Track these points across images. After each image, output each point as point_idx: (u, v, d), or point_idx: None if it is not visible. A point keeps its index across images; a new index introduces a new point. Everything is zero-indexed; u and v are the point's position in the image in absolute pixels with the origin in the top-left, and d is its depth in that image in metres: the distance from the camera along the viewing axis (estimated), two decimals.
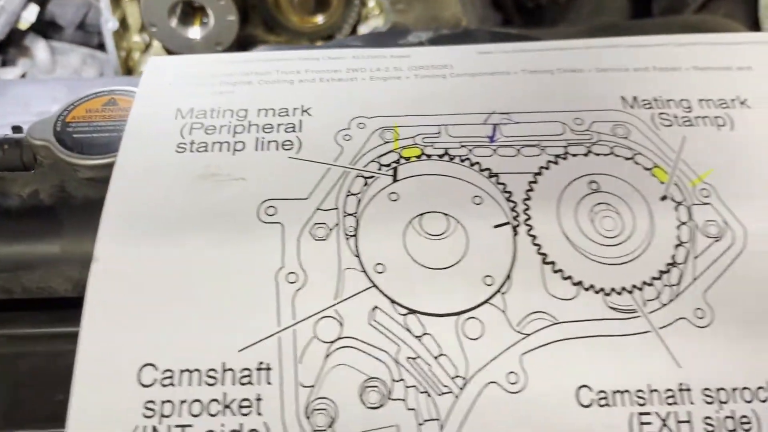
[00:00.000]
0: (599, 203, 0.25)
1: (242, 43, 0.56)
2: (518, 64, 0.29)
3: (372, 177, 0.25)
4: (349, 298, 0.23)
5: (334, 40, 0.49)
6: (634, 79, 0.28)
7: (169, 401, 0.21)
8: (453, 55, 0.29)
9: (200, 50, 0.54)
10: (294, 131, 0.26)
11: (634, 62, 0.29)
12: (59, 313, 0.25)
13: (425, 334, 0.22)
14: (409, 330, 0.22)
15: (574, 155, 0.26)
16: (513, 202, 0.25)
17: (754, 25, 0.49)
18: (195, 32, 0.54)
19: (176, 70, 0.29)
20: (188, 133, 0.26)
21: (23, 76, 0.62)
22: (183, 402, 0.21)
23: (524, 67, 0.29)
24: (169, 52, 0.55)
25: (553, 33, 0.43)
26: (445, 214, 0.24)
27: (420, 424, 0.21)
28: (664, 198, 0.25)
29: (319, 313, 0.22)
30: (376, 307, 0.23)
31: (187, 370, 0.21)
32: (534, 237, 0.24)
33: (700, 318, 0.23)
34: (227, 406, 0.21)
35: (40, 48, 0.66)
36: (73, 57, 0.68)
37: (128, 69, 0.61)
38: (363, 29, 0.54)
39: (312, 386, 0.22)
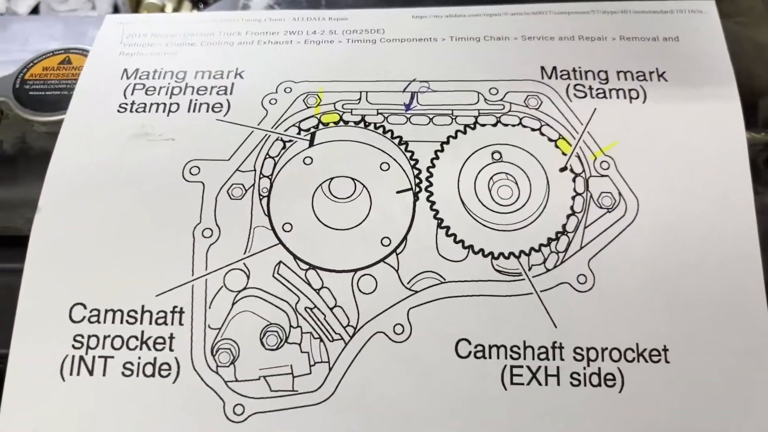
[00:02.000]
0: (499, 173, 0.27)
1: None
2: (447, 30, 0.30)
3: (290, 141, 0.27)
4: (257, 253, 0.25)
5: None
6: (556, 48, 0.29)
7: (94, 335, 0.25)
8: (388, 18, 0.31)
9: None
10: (225, 94, 0.28)
11: (559, 30, 0.30)
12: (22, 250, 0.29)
13: (323, 287, 0.25)
14: (309, 283, 0.25)
15: (483, 125, 0.27)
16: (418, 169, 0.27)
17: None
18: None
19: (129, 29, 0.31)
20: (130, 94, 0.29)
21: (37, 6, 0.65)
22: (107, 337, 0.25)
23: (453, 33, 0.30)
24: None
25: None
26: (353, 179, 0.27)
27: (312, 365, 0.25)
28: (563, 169, 0.27)
29: (229, 265, 0.25)
30: (281, 262, 0.25)
31: (111, 310, 0.25)
32: (433, 203, 0.26)
33: (582, 284, 0.25)
34: (144, 342, 0.25)
35: None
36: None
37: (136, 1, 0.63)
38: None
39: (219, 329, 0.25)
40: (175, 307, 0.25)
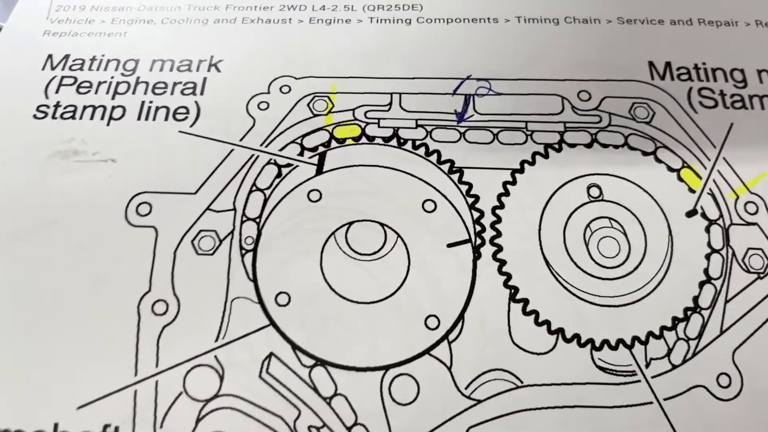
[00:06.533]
0: (599, 217, 0.18)
1: None
2: (514, 8, 0.21)
3: (289, 165, 0.18)
4: (236, 340, 0.17)
5: None
6: (669, 35, 0.20)
7: None
8: None
9: None
10: (194, 94, 0.19)
11: (671, 10, 0.21)
12: None
13: (337, 394, 0.16)
14: (315, 388, 0.16)
15: (572, 145, 0.19)
16: (479, 211, 0.18)
17: None
18: None
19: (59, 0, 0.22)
20: (55, 92, 0.20)
21: None
22: None
23: (521, 12, 0.21)
24: None
25: None
26: (382, 225, 0.18)
27: None
28: (691, 213, 0.18)
29: (192, 359, 0.16)
30: (272, 353, 0.17)
31: None
32: (502, 263, 0.17)
33: (725, 387, 0.17)
34: None
35: None
36: None
37: None
38: None
39: None
40: (107, 426, 0.16)
